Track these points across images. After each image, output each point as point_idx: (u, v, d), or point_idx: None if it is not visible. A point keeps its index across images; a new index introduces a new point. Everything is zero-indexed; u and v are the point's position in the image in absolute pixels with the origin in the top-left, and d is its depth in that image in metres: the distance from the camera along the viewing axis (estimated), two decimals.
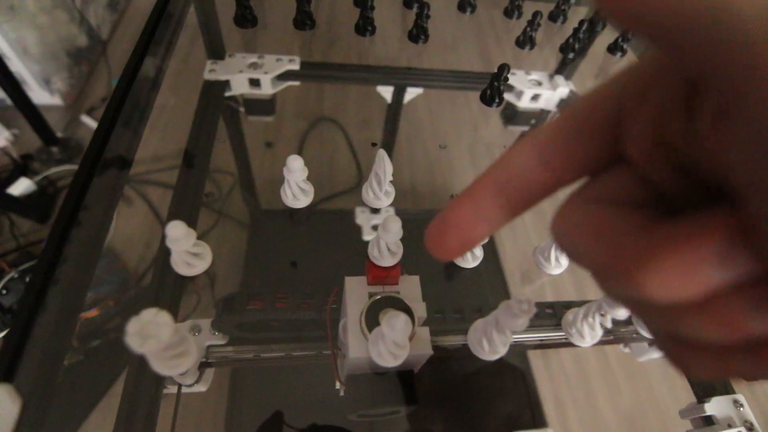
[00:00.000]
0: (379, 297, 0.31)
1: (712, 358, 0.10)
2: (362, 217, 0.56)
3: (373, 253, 0.32)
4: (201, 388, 0.35)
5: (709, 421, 0.43)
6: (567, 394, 0.94)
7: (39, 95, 1.11)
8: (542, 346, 0.43)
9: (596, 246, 0.11)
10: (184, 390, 0.35)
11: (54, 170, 1.04)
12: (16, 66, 1.05)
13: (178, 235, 0.28)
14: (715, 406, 0.43)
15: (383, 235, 0.32)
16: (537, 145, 0.12)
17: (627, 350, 0.47)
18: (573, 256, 0.12)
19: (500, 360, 0.37)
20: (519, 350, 0.43)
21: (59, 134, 1.08)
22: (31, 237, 0.94)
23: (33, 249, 0.92)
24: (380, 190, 0.39)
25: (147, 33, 0.47)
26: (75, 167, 1.05)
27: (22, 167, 1.03)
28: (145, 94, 0.50)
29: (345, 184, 1.15)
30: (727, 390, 0.44)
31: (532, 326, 0.41)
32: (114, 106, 0.39)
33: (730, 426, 0.42)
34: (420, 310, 0.31)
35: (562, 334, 0.41)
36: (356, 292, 0.32)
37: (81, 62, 1.22)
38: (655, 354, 0.45)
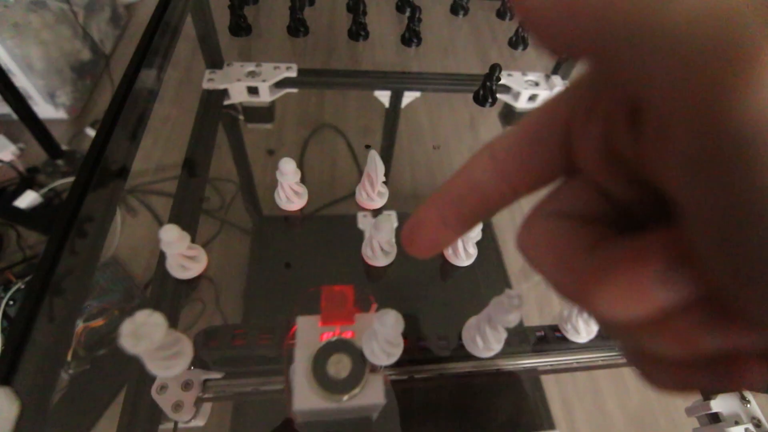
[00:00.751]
0: (324, 344, 0.29)
1: (675, 372, 0.10)
2: (364, 222, 0.57)
3: (366, 252, 0.32)
4: (198, 422, 0.34)
5: (715, 418, 0.43)
6: (574, 394, 0.93)
7: (44, 109, 1.13)
8: (554, 371, 0.43)
9: (554, 264, 0.11)
10: (181, 425, 0.34)
11: (59, 182, 1.05)
12: (21, 81, 1.07)
13: (172, 238, 0.29)
14: (721, 404, 0.43)
15: (375, 235, 0.32)
16: (494, 156, 0.12)
17: None
18: (538, 272, 0.12)
19: (504, 363, 0.37)
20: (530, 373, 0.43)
21: (64, 147, 1.09)
22: (37, 249, 0.95)
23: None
24: (373, 191, 0.40)
25: (144, 42, 0.48)
26: None
27: (28, 180, 1.05)
28: (142, 103, 0.50)
29: (346, 189, 1.15)
30: None
31: (541, 351, 0.40)
32: (111, 115, 0.40)
33: (737, 423, 0.41)
34: None
35: (575, 357, 0.41)
36: (308, 334, 0.30)
37: (85, 76, 1.25)
38: None
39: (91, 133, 1.17)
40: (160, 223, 1.18)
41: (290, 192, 0.38)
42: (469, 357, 0.35)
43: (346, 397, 0.27)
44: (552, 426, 0.73)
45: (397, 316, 0.26)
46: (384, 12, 0.65)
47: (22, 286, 0.81)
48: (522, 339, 0.39)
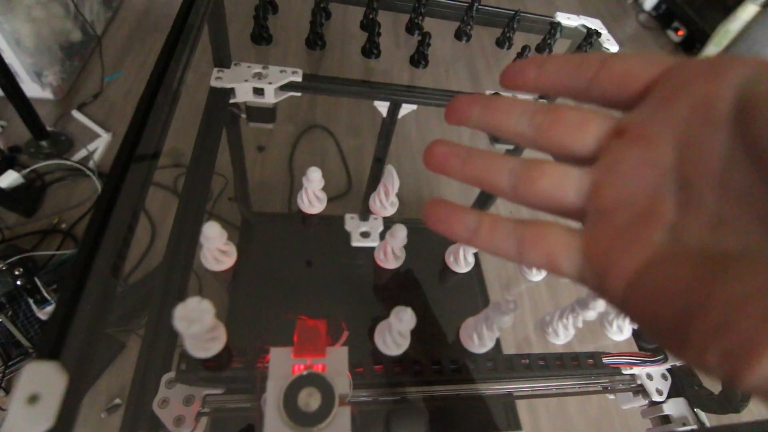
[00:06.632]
0: (296, 377, 0.30)
1: None
2: (351, 224, 0.60)
3: (379, 256, 0.36)
4: None
5: (666, 420, 0.47)
6: (540, 399, 1.00)
7: (30, 88, 1.11)
8: (533, 396, 0.44)
9: None
10: None
11: (43, 164, 1.03)
12: (9, 57, 1.04)
13: (213, 233, 0.32)
14: (672, 407, 0.47)
15: (390, 241, 0.35)
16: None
17: (612, 397, 0.49)
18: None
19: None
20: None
21: (49, 128, 1.07)
22: (17, 230, 0.94)
23: (19, 242, 0.91)
24: (387, 201, 0.43)
25: (170, 43, 0.50)
26: (64, 162, 1.05)
27: (9, 159, 1.02)
28: (173, 92, 0.51)
29: (335, 190, 1.18)
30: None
31: (526, 377, 0.42)
32: (147, 98, 0.42)
33: (684, 424, 0.45)
34: (342, 386, 0.30)
35: (554, 383, 0.43)
36: (280, 366, 0.31)
37: (74, 57, 1.22)
38: (637, 403, 0.47)
39: (77, 115, 1.15)
40: (147, 214, 1.17)
41: (313, 197, 0.41)
42: (455, 380, 0.38)
43: (314, 430, 0.28)
44: (518, 426, 0.79)
45: (411, 314, 0.30)
46: (389, 29, 0.68)
47: (4, 268, 0.79)
48: (508, 366, 0.40)
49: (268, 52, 0.62)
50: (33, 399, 0.25)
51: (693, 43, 2.10)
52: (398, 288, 0.40)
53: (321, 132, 1.24)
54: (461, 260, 0.42)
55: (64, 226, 0.98)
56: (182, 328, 0.25)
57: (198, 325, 0.25)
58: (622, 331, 0.43)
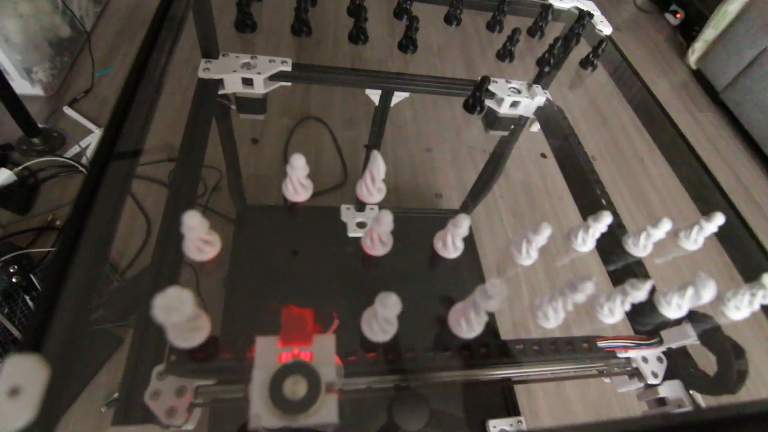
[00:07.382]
0: (282, 366, 0.29)
1: None
2: (347, 215, 0.59)
3: (366, 243, 0.36)
4: (189, 426, 0.35)
5: (662, 402, 0.47)
6: (538, 384, 1.00)
7: (20, 85, 1.10)
8: (527, 380, 0.45)
9: None
10: (171, 430, 0.34)
11: (35, 161, 1.03)
12: None
13: (194, 223, 0.31)
14: (667, 389, 0.47)
15: (376, 228, 0.35)
16: None
17: (608, 381, 0.49)
18: None
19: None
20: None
21: (41, 125, 1.07)
22: (11, 228, 0.93)
23: (14, 240, 0.91)
24: (373, 187, 0.43)
25: (152, 32, 0.49)
26: (56, 159, 1.05)
27: (1, 157, 1.02)
28: (155, 83, 0.50)
29: (330, 180, 1.18)
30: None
31: (520, 362, 0.42)
32: (129, 90, 0.41)
33: (680, 406, 0.46)
34: (329, 374, 0.30)
35: (549, 368, 0.43)
36: (266, 354, 0.30)
37: (63, 53, 1.21)
38: (633, 386, 0.47)
39: (69, 111, 1.14)
40: (141, 208, 1.17)
41: (298, 185, 0.41)
42: (448, 367, 0.38)
43: (300, 418, 0.28)
44: (517, 412, 0.79)
45: (396, 298, 0.29)
46: (382, 17, 0.67)
47: None
48: (502, 351, 0.40)
49: (258, 43, 0.61)
50: (14, 392, 0.25)
51: (691, 26, 2.07)
52: (387, 275, 0.40)
53: (316, 123, 1.23)
54: (450, 246, 0.41)
55: (58, 223, 0.97)
56: (162, 318, 0.25)
57: (177, 314, 0.25)
58: (613, 313, 0.42)
